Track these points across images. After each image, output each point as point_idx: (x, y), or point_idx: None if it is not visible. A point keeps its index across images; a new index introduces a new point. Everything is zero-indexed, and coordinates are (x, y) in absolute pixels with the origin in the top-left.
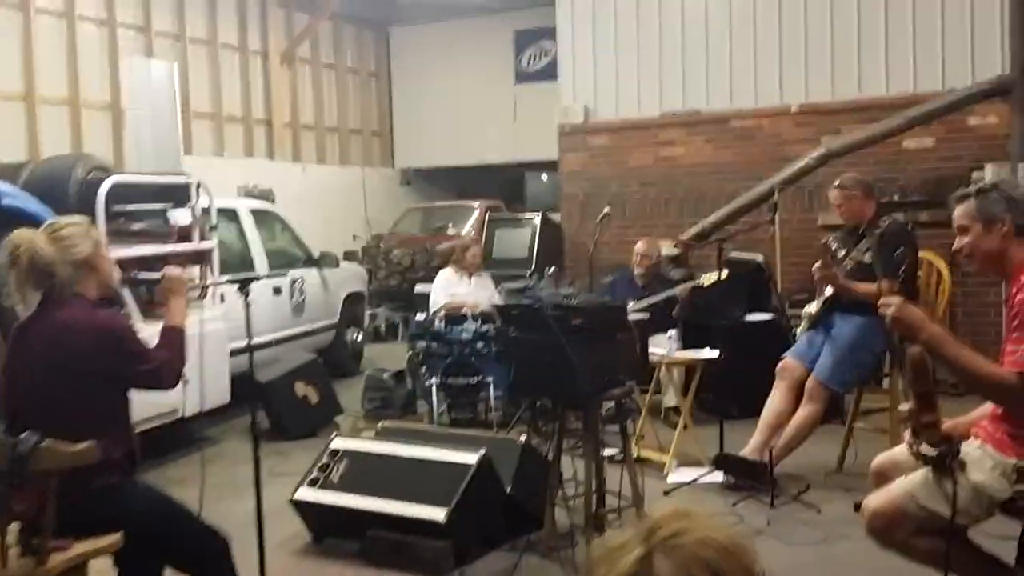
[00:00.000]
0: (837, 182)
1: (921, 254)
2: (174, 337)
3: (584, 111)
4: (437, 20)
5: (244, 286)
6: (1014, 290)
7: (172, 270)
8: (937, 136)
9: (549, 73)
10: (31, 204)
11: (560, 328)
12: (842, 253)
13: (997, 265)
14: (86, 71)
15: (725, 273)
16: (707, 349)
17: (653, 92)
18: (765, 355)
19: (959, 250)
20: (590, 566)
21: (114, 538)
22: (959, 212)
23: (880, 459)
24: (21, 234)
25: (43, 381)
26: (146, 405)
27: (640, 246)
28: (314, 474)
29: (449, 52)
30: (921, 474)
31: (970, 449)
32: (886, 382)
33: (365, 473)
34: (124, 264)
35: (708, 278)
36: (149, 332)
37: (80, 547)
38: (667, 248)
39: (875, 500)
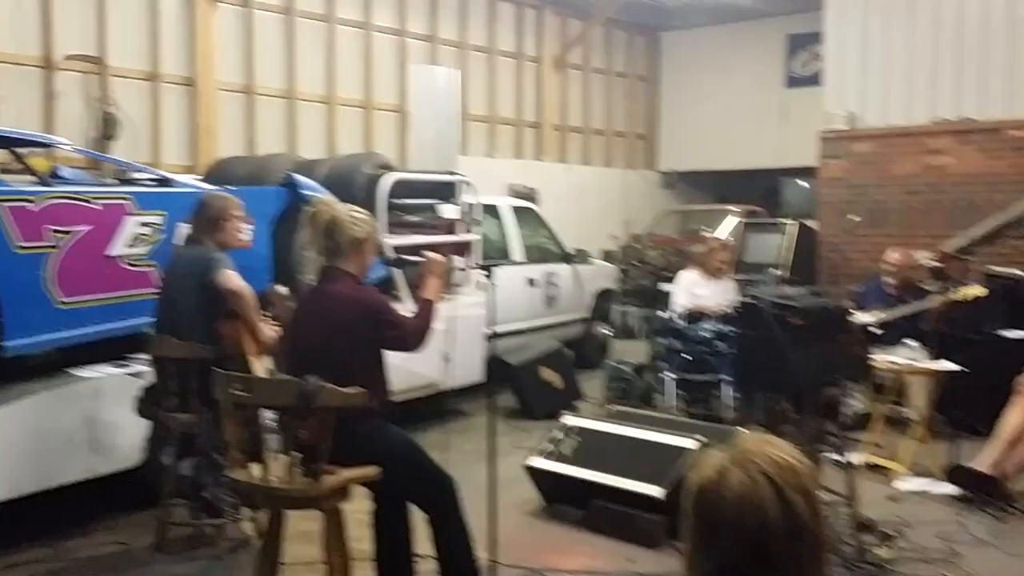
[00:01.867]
0: None
1: None
2: (426, 308)
3: (849, 117)
4: (709, 24)
5: (489, 270)
6: None
7: (433, 255)
8: None
9: (820, 78)
10: (325, 196)
11: (780, 326)
12: None
13: None
14: (378, 77)
15: (984, 290)
16: (947, 362)
17: (923, 98)
18: (1020, 372)
19: None
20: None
21: (374, 469)
22: None
23: None
24: (325, 200)
25: (318, 342)
26: (411, 376)
27: (891, 255)
28: (548, 446)
29: (719, 56)
30: None
31: None
32: None
33: (594, 449)
34: (399, 250)
35: (966, 292)
36: (411, 309)
37: (347, 473)
38: (926, 259)
39: None
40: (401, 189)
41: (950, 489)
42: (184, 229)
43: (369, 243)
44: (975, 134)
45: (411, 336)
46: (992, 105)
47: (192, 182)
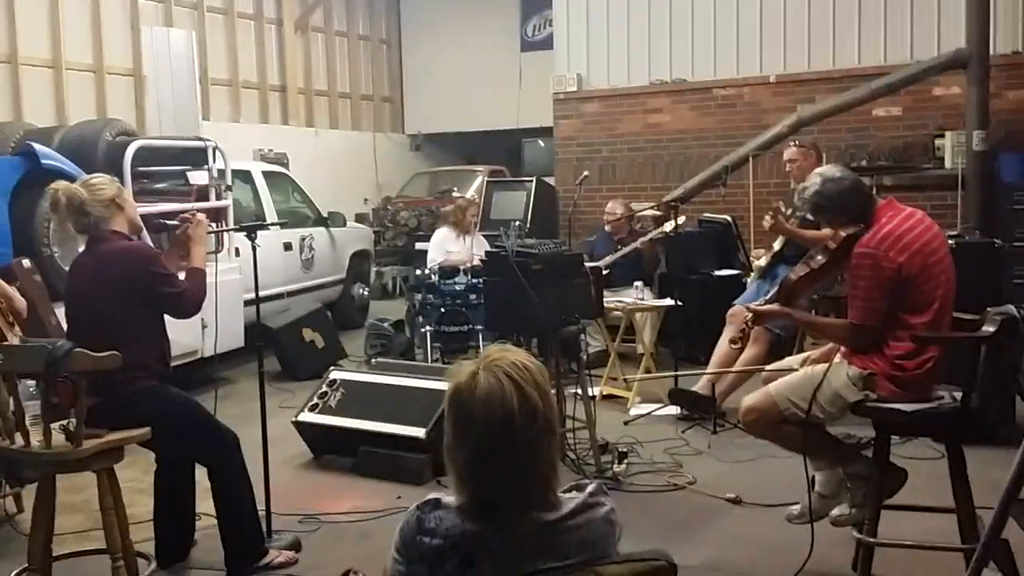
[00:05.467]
0: (795, 140)
1: None
2: (197, 275)
3: (577, 79)
4: None
5: (251, 233)
6: (856, 248)
7: (197, 216)
8: (904, 105)
9: (551, 42)
10: (67, 165)
11: (522, 272)
12: (788, 211)
13: None
14: (109, 39)
15: (670, 226)
16: (667, 299)
17: (642, 62)
18: (729, 306)
19: None
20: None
21: (142, 431)
22: None
23: (769, 369)
24: (58, 183)
25: (91, 301)
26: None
27: (608, 206)
28: (314, 400)
29: (458, 20)
30: (788, 378)
31: (834, 362)
32: None
33: (358, 399)
34: (146, 219)
35: (663, 229)
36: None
37: (112, 436)
38: (650, 210)
39: (750, 398)
40: (146, 156)
41: (674, 410)
42: None
43: (123, 197)
44: (687, 93)
45: (187, 297)
46: (701, 68)
47: None
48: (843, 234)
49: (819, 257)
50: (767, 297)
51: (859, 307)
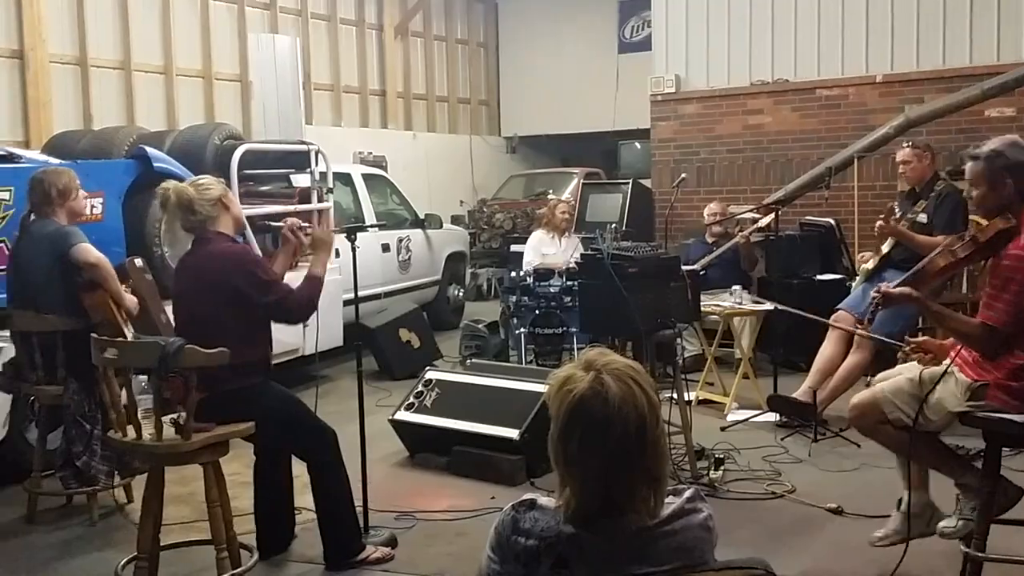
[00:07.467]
0: (910, 141)
1: (972, 217)
2: (314, 283)
3: (675, 81)
4: None
5: (351, 234)
6: (1009, 249)
7: (324, 230)
8: (1019, 106)
9: (649, 44)
10: (177, 168)
11: (618, 275)
12: (899, 214)
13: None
14: (218, 46)
15: (765, 221)
16: (767, 303)
17: (742, 62)
18: (832, 311)
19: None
20: (548, 400)
21: (247, 425)
22: (969, 170)
23: (880, 375)
24: (168, 182)
25: (195, 300)
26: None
27: (709, 207)
28: (410, 399)
29: (555, 23)
30: (897, 380)
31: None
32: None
33: (453, 399)
34: (251, 221)
35: (757, 225)
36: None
37: (219, 430)
38: (749, 213)
39: (858, 396)
40: (251, 159)
41: (772, 417)
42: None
43: (228, 197)
44: (790, 94)
45: (290, 305)
46: (804, 68)
47: (40, 157)
48: (996, 228)
49: (966, 246)
50: (900, 280)
51: (1002, 310)
